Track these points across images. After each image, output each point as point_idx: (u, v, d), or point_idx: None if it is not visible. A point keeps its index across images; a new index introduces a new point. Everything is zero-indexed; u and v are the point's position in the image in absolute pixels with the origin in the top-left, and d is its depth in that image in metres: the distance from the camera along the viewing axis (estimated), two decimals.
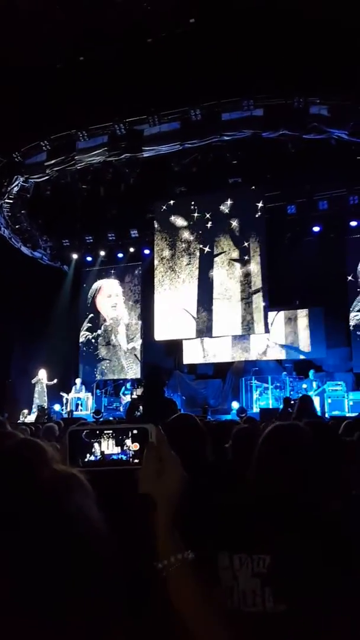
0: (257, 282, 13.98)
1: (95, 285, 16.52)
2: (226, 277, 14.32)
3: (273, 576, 1.32)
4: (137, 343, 15.94)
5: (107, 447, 1.08)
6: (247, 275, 14.09)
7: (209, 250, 14.58)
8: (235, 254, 14.28)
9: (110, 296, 16.39)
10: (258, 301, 13.91)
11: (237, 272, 14.22)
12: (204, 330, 14.43)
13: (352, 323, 13.56)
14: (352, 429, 3.56)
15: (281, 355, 14.43)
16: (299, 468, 1.40)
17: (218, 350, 14.93)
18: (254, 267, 14.04)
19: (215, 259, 14.51)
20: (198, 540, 1.16)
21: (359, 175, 12.33)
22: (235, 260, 14.28)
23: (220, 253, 14.46)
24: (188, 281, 14.72)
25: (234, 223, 14.34)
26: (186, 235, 14.90)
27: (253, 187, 14.04)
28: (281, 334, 14.41)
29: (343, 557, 1.28)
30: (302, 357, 14.17)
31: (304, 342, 14.17)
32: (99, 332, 16.36)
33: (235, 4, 9.13)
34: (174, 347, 15.27)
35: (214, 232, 14.57)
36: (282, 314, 14.45)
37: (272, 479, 1.41)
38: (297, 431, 1.52)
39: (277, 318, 14.44)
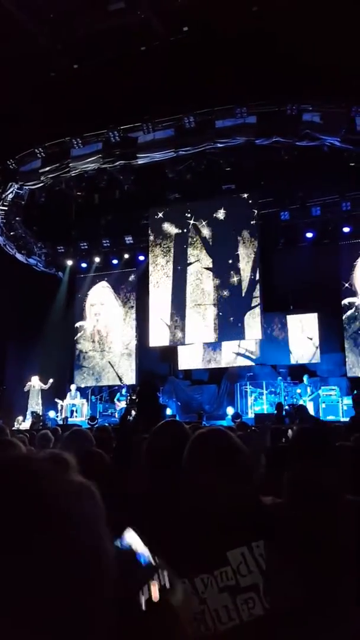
0: (251, 288, 14.03)
1: (90, 293, 16.56)
2: (220, 283, 14.36)
3: (241, 584, 1.33)
4: (132, 349, 15.94)
5: None
6: (241, 281, 14.15)
7: (203, 256, 14.63)
8: (229, 260, 14.34)
9: (93, 305, 16.42)
10: (254, 307, 13.95)
11: (231, 279, 14.27)
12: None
13: (346, 328, 13.64)
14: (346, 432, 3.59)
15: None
16: (226, 470, 1.41)
17: (216, 355, 14.97)
18: (249, 273, 14.10)
19: (209, 265, 14.56)
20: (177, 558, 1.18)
21: (352, 182, 12.43)
22: (229, 266, 14.33)
23: (214, 259, 14.52)
24: (182, 287, 14.75)
25: (229, 229, 14.41)
26: (181, 241, 14.96)
27: (246, 195, 14.14)
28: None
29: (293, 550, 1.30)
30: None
31: (304, 348, 14.16)
32: (94, 338, 16.36)
33: (228, 13, 9.22)
34: (169, 352, 15.29)
35: (208, 238, 14.63)
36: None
37: (203, 486, 1.41)
38: (219, 435, 1.53)
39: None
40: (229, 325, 14.16)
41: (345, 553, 1.37)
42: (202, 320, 14.49)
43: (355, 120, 10.11)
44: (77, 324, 16.51)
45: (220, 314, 14.27)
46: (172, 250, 15.02)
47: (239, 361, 14.59)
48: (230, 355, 14.68)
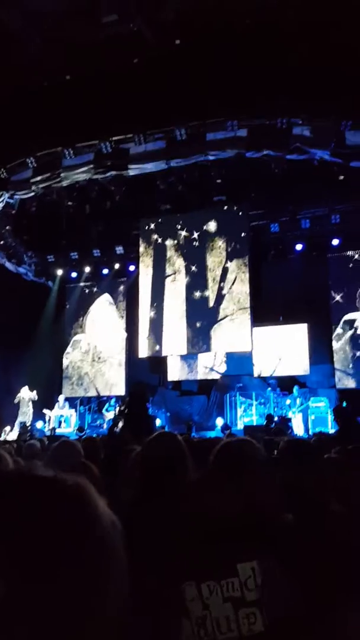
0: (242, 299, 14.08)
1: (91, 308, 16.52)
2: (212, 295, 14.39)
3: (246, 598, 1.32)
4: (122, 360, 15.89)
5: None
6: (233, 293, 14.19)
7: (194, 268, 14.67)
8: (220, 272, 14.38)
9: (94, 321, 16.40)
10: (243, 318, 14.00)
11: (223, 290, 14.30)
12: (200, 346, 14.46)
13: (334, 340, 13.72)
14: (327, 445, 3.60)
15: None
16: (246, 486, 1.41)
17: (195, 367, 14.98)
18: (240, 284, 14.15)
19: (200, 277, 14.59)
20: (162, 572, 1.16)
21: (341, 195, 12.57)
22: (220, 277, 14.38)
23: (205, 271, 14.56)
24: (174, 298, 14.76)
25: (220, 241, 14.48)
26: (172, 252, 14.99)
27: (236, 207, 14.25)
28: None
29: (302, 567, 1.30)
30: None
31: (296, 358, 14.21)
32: (84, 349, 16.29)
33: (220, 26, 9.33)
34: (159, 363, 15.25)
35: (200, 250, 14.68)
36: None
37: (219, 499, 1.41)
38: (245, 448, 1.53)
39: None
40: (206, 337, 14.22)
41: (338, 561, 1.36)
42: (179, 332, 14.50)
43: (345, 134, 10.23)
44: (74, 338, 16.40)
45: (199, 325, 14.31)
46: (161, 261, 15.04)
47: (212, 374, 14.75)
48: (202, 368, 14.80)
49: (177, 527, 1.42)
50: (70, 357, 16.38)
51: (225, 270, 14.33)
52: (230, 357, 14.71)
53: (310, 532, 1.39)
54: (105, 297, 16.38)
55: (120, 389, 15.55)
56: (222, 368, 14.73)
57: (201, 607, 1.34)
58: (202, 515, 1.41)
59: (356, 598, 1.26)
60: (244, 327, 13.94)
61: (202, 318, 14.35)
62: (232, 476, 1.45)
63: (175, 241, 14.95)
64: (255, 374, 14.30)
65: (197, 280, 14.56)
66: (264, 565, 1.34)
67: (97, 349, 16.19)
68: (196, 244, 14.70)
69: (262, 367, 14.27)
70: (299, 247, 14.03)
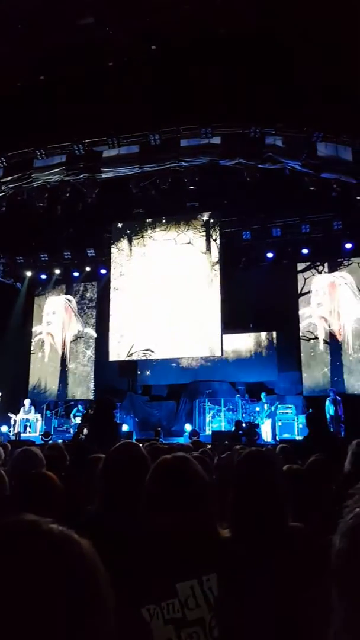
0: (213, 305, 14.14)
1: (48, 305, 16.32)
2: (183, 299, 14.40)
3: (187, 618, 1.31)
4: (91, 363, 15.75)
5: None
6: (203, 299, 14.23)
7: (165, 273, 14.66)
8: (191, 278, 14.41)
9: (48, 314, 16.21)
10: (214, 324, 14.05)
11: (194, 295, 14.33)
12: (170, 351, 14.45)
13: (302, 347, 13.92)
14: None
15: None
16: (187, 501, 1.38)
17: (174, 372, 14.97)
18: (211, 291, 14.21)
19: (171, 282, 14.59)
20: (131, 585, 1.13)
21: (311, 205, 12.79)
22: (190, 283, 14.41)
23: (176, 276, 14.57)
24: (144, 302, 14.71)
25: (191, 247, 14.52)
26: (143, 256, 14.95)
27: (209, 214, 14.34)
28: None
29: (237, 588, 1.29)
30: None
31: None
32: (51, 352, 16.07)
33: (195, 34, 9.40)
34: (129, 367, 15.17)
35: (171, 255, 14.68)
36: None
37: (159, 515, 1.39)
38: (182, 466, 1.50)
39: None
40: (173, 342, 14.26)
41: (297, 581, 1.35)
42: (149, 336, 14.48)
43: (317, 145, 10.42)
44: (34, 337, 16.20)
45: (169, 330, 14.31)
46: (133, 265, 14.99)
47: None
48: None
49: (119, 549, 1.40)
50: (37, 360, 16.14)
51: (196, 276, 14.37)
52: (200, 363, 14.77)
53: (256, 547, 1.37)
54: (75, 300, 16.23)
55: (88, 393, 15.39)
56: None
57: (145, 632, 1.31)
58: (140, 535, 1.38)
59: (315, 617, 1.25)
60: (214, 333, 14.00)
61: (172, 323, 14.34)
62: (170, 494, 1.42)
63: (147, 245, 14.93)
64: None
65: (167, 285, 14.55)
66: (205, 583, 1.32)
67: (66, 353, 16.00)
68: (168, 249, 14.71)
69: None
70: (269, 255, 14.20)
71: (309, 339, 13.91)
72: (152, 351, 14.49)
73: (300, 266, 14.27)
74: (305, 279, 14.20)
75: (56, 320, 16.11)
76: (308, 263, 14.24)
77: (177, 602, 1.32)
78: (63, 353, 16.01)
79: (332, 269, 13.97)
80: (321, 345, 13.79)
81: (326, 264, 14.07)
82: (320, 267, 14.12)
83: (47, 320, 16.14)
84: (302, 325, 13.96)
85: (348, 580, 0.60)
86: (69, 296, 16.24)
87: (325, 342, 13.74)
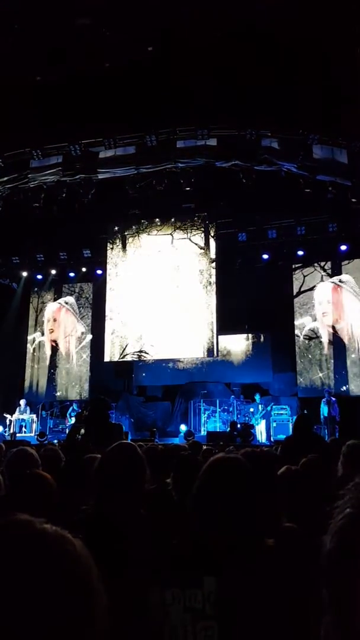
0: (209, 306, 14.16)
1: (47, 308, 16.29)
2: (178, 300, 14.42)
3: (207, 611, 1.32)
4: (87, 364, 15.73)
5: None
6: (198, 300, 14.25)
7: (161, 275, 14.67)
8: (186, 279, 14.43)
9: (49, 320, 16.18)
10: (209, 325, 14.06)
11: (189, 296, 14.36)
12: (166, 351, 14.44)
13: (297, 349, 13.94)
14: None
15: None
16: (235, 504, 1.40)
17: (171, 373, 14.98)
18: (206, 292, 14.23)
19: (167, 283, 14.60)
20: (131, 573, 1.14)
21: (307, 207, 12.82)
22: (186, 285, 14.43)
23: (171, 277, 14.58)
24: (140, 303, 14.71)
25: (187, 249, 14.54)
26: (139, 258, 14.96)
27: (205, 215, 14.36)
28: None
29: (277, 592, 1.30)
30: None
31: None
32: (48, 353, 16.05)
33: (193, 36, 9.41)
34: (124, 368, 15.16)
35: (167, 256, 14.70)
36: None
37: (208, 515, 1.40)
38: (235, 464, 1.51)
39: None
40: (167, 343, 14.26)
41: (292, 585, 1.36)
42: (146, 337, 14.47)
43: (312, 148, 10.46)
44: (30, 337, 16.18)
45: (165, 330, 14.32)
46: (129, 266, 14.99)
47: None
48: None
49: (141, 533, 1.41)
50: (33, 361, 16.10)
51: (191, 278, 14.39)
52: (195, 364, 14.76)
53: (254, 551, 1.38)
54: (71, 300, 16.20)
55: (84, 393, 15.38)
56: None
57: (161, 613, 1.34)
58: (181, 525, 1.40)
59: (313, 620, 1.26)
60: (209, 334, 14.02)
61: (168, 324, 14.35)
62: (217, 493, 1.43)
63: (143, 246, 14.93)
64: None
65: (163, 286, 14.56)
66: (228, 580, 1.34)
67: (62, 353, 15.98)
68: (164, 250, 14.72)
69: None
70: (265, 256, 14.23)
71: (310, 339, 13.89)
72: (147, 352, 14.51)
73: (296, 267, 14.27)
74: (304, 276, 14.14)
75: (57, 326, 16.06)
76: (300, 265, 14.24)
77: (199, 594, 1.34)
78: (59, 354, 15.99)
79: (333, 272, 13.90)
80: (325, 349, 13.70)
81: (328, 264, 14.00)
82: (320, 268, 14.06)
83: (48, 327, 16.08)
84: (305, 331, 13.93)
85: (338, 580, 0.61)
86: (68, 298, 16.19)
87: (330, 343, 13.68)
